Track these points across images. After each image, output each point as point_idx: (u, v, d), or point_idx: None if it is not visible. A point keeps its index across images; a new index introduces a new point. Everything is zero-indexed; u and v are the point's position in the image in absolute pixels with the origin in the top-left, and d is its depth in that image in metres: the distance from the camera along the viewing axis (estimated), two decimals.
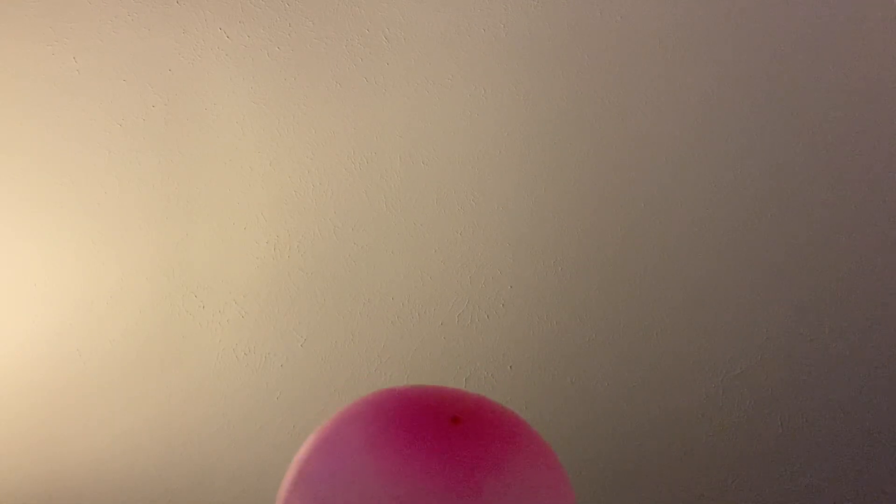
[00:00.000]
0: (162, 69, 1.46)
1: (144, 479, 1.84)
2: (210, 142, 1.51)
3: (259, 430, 1.78)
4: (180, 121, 1.50)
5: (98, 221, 1.58)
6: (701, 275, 1.61)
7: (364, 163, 1.52)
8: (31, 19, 1.42)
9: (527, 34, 1.41)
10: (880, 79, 1.42)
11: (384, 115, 1.49)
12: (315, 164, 1.53)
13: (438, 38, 1.42)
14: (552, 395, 1.73)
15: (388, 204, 1.56)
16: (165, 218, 1.57)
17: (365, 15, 1.41)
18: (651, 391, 1.73)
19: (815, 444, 1.77)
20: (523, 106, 1.47)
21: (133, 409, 1.76)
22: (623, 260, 1.60)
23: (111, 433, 1.78)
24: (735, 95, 1.45)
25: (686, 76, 1.44)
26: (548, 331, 1.67)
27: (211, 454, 1.81)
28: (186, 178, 1.54)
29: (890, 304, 1.63)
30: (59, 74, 1.46)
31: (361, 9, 1.40)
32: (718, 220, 1.56)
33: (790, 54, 1.41)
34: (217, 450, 1.80)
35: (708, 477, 1.81)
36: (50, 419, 1.76)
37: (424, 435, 0.61)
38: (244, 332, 1.68)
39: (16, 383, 1.72)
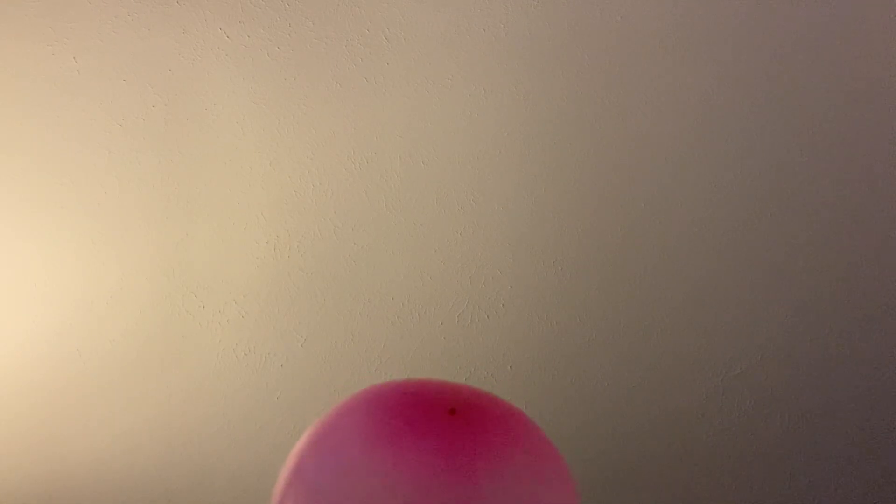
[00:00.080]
0: (162, 69, 1.46)
1: (144, 479, 1.84)
2: (210, 142, 1.51)
3: (259, 430, 1.78)
4: (180, 121, 1.50)
5: (98, 221, 1.58)
6: (701, 275, 1.61)
7: (364, 163, 1.52)
8: (31, 19, 1.42)
9: (527, 34, 1.41)
10: (880, 79, 1.42)
11: (384, 115, 1.49)
12: (315, 164, 1.53)
13: (438, 38, 1.42)
14: (552, 395, 1.73)
15: (388, 204, 1.56)
16: (165, 218, 1.57)
17: (365, 15, 1.41)
18: (651, 391, 1.73)
19: (815, 444, 1.77)
20: (523, 106, 1.47)
21: (133, 409, 1.76)
22: (623, 260, 1.60)
23: (111, 433, 1.78)
24: (735, 95, 1.45)
25: (686, 76, 1.44)
26: (548, 331, 1.67)
27: (211, 454, 1.81)
28: (186, 178, 1.54)
29: (890, 304, 1.63)
30: (59, 74, 1.46)
31: (361, 9, 1.40)
32: (718, 220, 1.56)
33: (790, 54, 1.41)
34: (217, 450, 1.80)
35: (708, 477, 1.81)
36: (50, 419, 1.76)
37: (422, 426, 0.61)
38: (244, 332, 1.68)
39: (16, 383, 1.72)
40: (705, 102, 1.46)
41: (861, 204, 1.53)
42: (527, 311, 1.65)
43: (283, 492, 0.63)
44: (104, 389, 1.73)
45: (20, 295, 1.64)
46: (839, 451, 1.78)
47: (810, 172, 1.51)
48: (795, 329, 1.65)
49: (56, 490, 1.85)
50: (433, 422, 0.62)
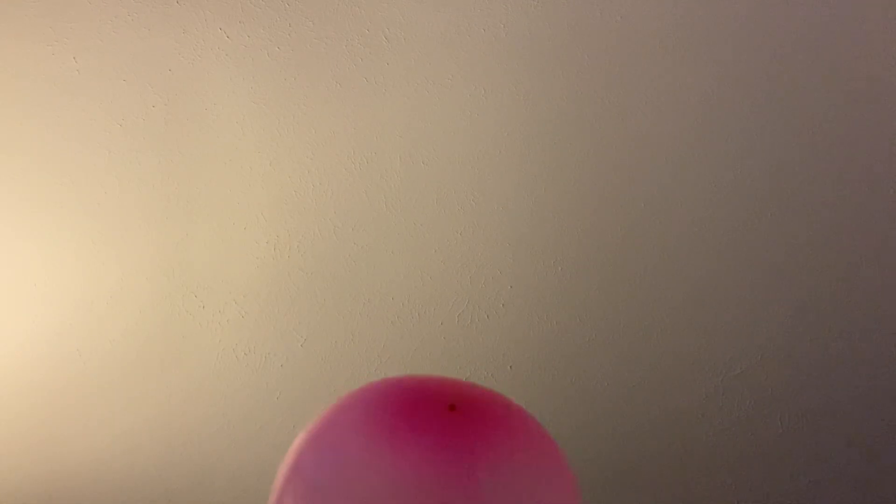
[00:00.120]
0: (162, 69, 1.46)
1: (144, 479, 1.84)
2: (210, 142, 1.51)
3: (259, 430, 1.78)
4: (180, 121, 1.50)
5: (98, 221, 1.58)
6: (701, 275, 1.61)
7: (364, 163, 1.52)
8: (31, 19, 1.42)
9: (527, 34, 1.41)
10: (880, 79, 1.42)
11: (384, 115, 1.49)
12: (315, 164, 1.53)
13: (438, 38, 1.42)
14: (552, 395, 1.73)
15: (388, 204, 1.56)
16: (165, 218, 1.57)
17: (365, 15, 1.41)
18: (651, 391, 1.72)
19: (815, 444, 1.77)
20: (523, 106, 1.47)
21: (133, 409, 1.76)
22: (623, 260, 1.60)
23: (111, 433, 1.78)
24: (735, 95, 1.45)
25: (686, 76, 1.44)
26: (548, 331, 1.67)
27: (211, 454, 1.81)
28: (186, 178, 1.54)
29: (890, 304, 1.63)
30: (59, 74, 1.46)
31: (361, 9, 1.40)
32: (718, 220, 1.56)
33: (790, 54, 1.41)
34: (217, 450, 1.80)
35: (708, 477, 1.81)
36: (50, 419, 1.76)
37: (421, 421, 0.61)
38: (244, 332, 1.68)
39: (16, 383, 1.72)
40: (705, 102, 1.46)
41: (861, 204, 1.53)
42: (527, 311, 1.65)
43: (281, 488, 0.63)
44: (104, 389, 1.73)
45: (20, 295, 1.64)
46: (839, 451, 1.78)
47: (810, 172, 1.51)
48: (795, 329, 1.65)
49: (56, 490, 1.85)
50: (433, 418, 0.61)
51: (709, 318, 1.65)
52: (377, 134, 1.50)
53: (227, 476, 1.84)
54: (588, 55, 1.42)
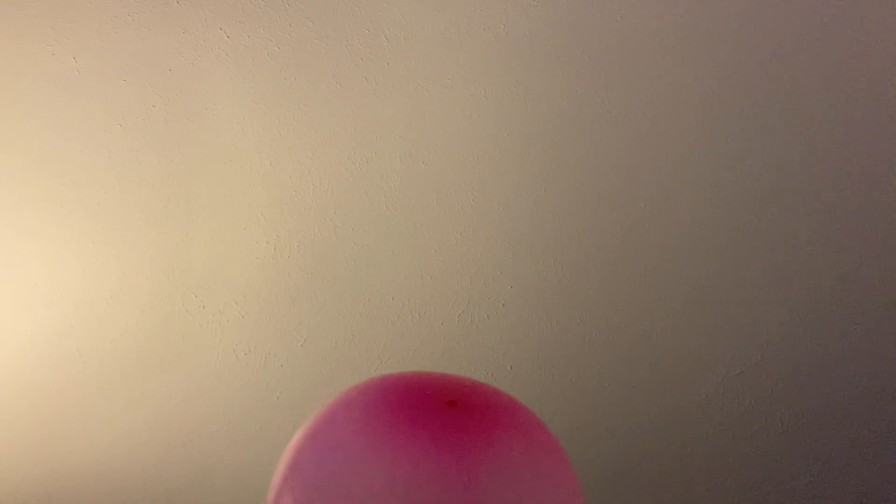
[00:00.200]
0: (162, 69, 1.46)
1: (144, 479, 1.84)
2: (210, 142, 1.51)
3: (259, 430, 1.78)
4: (180, 121, 1.50)
5: (98, 221, 1.58)
6: (701, 275, 1.61)
7: (364, 163, 1.52)
8: (31, 19, 1.42)
9: (527, 34, 1.41)
10: (880, 79, 1.42)
11: (384, 115, 1.49)
12: (315, 164, 1.53)
13: (438, 38, 1.42)
14: (552, 395, 1.73)
15: (388, 204, 1.56)
16: (165, 218, 1.57)
17: (365, 15, 1.41)
18: (651, 391, 1.72)
19: (815, 444, 1.77)
20: (523, 106, 1.47)
21: (133, 409, 1.76)
22: (623, 260, 1.60)
23: (111, 433, 1.78)
24: (735, 95, 1.45)
25: (686, 76, 1.44)
26: (548, 331, 1.67)
27: (211, 454, 1.81)
28: (186, 178, 1.54)
29: (890, 304, 1.63)
30: (59, 74, 1.46)
31: (361, 9, 1.40)
32: (718, 220, 1.56)
33: (790, 54, 1.41)
34: (217, 450, 1.80)
35: (708, 477, 1.81)
36: (50, 419, 1.76)
37: (421, 417, 0.61)
38: (244, 332, 1.68)
39: (16, 383, 1.72)
40: (705, 102, 1.46)
41: (861, 204, 1.53)
42: (527, 311, 1.65)
43: (280, 486, 0.62)
44: (104, 389, 1.73)
45: (20, 295, 1.64)
46: (839, 451, 1.78)
47: (810, 172, 1.51)
48: (795, 329, 1.65)
49: (56, 490, 1.85)
50: (432, 413, 0.61)
51: (709, 318, 1.65)
52: (377, 134, 1.50)
53: (227, 476, 1.84)
54: (588, 55, 1.42)
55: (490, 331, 1.67)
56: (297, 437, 0.65)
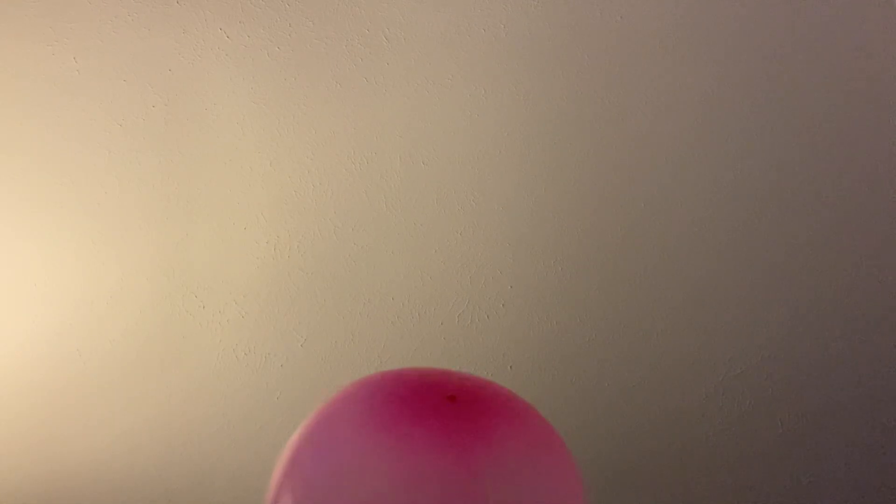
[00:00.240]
0: (162, 69, 1.46)
1: (144, 479, 1.84)
2: (210, 142, 1.51)
3: (259, 430, 1.78)
4: (180, 121, 1.50)
5: (98, 221, 1.58)
6: (701, 275, 1.61)
7: (364, 163, 1.52)
8: (31, 19, 1.42)
9: (527, 34, 1.41)
10: (880, 79, 1.42)
11: (384, 115, 1.49)
12: (315, 164, 1.53)
13: (438, 38, 1.42)
14: (552, 395, 1.73)
15: (388, 204, 1.56)
16: (165, 218, 1.57)
17: (365, 15, 1.41)
18: (651, 391, 1.72)
19: (815, 444, 1.77)
20: (523, 106, 1.47)
21: (133, 409, 1.76)
22: (623, 260, 1.60)
23: (111, 433, 1.78)
24: (735, 95, 1.45)
25: (686, 76, 1.44)
26: (548, 331, 1.67)
27: (211, 454, 1.81)
28: (186, 178, 1.54)
29: (890, 304, 1.63)
30: (59, 74, 1.46)
31: (361, 9, 1.40)
32: (718, 220, 1.56)
33: (790, 54, 1.41)
34: (217, 450, 1.80)
35: (708, 477, 1.81)
36: (50, 419, 1.76)
37: (421, 412, 0.60)
38: (244, 332, 1.68)
39: (16, 383, 1.72)
40: (705, 102, 1.46)
41: (861, 204, 1.53)
42: (527, 311, 1.65)
43: (280, 483, 0.62)
44: (104, 389, 1.73)
45: (20, 295, 1.64)
46: (839, 451, 1.78)
47: (810, 172, 1.51)
48: (795, 329, 1.65)
49: (56, 490, 1.85)
50: (432, 408, 0.61)
51: (709, 318, 1.65)
52: (377, 134, 1.50)
53: (227, 476, 1.84)
54: (588, 55, 1.42)
55: (490, 331, 1.67)
56: (296, 433, 0.65)
